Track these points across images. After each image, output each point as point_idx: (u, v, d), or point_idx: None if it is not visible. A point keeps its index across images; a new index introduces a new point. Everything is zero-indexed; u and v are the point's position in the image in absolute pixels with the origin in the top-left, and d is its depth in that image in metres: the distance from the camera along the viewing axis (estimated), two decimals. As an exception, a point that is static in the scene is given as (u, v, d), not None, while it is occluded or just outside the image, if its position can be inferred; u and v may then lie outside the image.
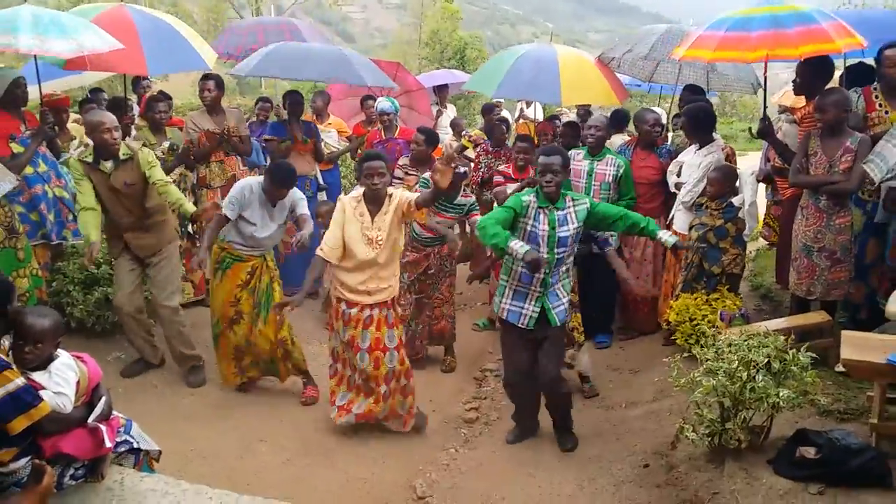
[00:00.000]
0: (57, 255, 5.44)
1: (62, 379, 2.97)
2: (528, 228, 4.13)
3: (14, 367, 2.76)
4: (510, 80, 6.46)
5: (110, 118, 4.76)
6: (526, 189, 4.65)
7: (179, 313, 5.10)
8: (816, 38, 4.39)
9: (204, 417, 4.81)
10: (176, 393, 5.12)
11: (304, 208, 4.88)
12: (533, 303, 4.23)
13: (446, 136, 9.74)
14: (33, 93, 5.48)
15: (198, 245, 6.25)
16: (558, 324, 4.28)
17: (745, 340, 3.64)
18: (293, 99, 6.89)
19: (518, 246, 3.94)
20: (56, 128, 6.02)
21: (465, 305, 7.23)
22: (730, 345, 3.64)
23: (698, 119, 5.69)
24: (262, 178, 4.84)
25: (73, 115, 6.91)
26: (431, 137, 6.22)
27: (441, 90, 10.59)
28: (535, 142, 7.33)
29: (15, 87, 5.27)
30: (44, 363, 2.96)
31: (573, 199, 4.21)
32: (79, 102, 7.20)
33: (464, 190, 5.50)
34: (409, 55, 32.43)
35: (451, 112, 10.71)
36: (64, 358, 3.05)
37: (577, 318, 5.17)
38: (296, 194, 4.90)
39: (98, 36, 5.15)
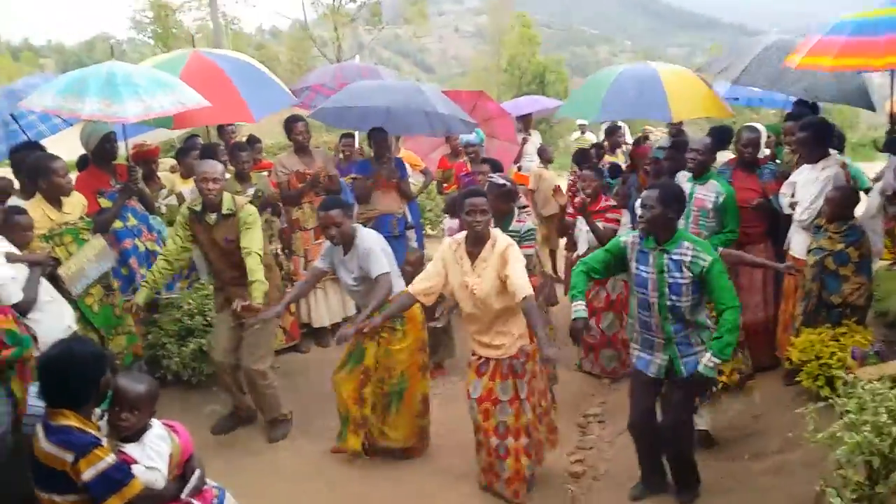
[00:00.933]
0: (151, 308, 5.44)
1: (155, 452, 2.87)
2: (634, 271, 3.85)
3: (104, 443, 2.67)
4: (613, 100, 6.20)
5: (211, 167, 4.66)
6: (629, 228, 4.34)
7: (268, 377, 4.93)
8: (954, 42, 3.90)
9: (300, 474, 4.64)
10: (270, 448, 4.99)
11: (372, 263, 4.44)
12: (661, 351, 3.90)
13: (532, 164, 9.49)
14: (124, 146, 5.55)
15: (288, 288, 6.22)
16: (685, 374, 3.87)
17: (892, 388, 3.21)
18: (377, 136, 6.79)
19: (573, 308, 3.82)
20: (143, 178, 6.02)
21: (562, 345, 6.87)
22: (874, 394, 3.20)
23: (817, 135, 5.23)
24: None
25: (165, 163, 7.01)
26: (495, 166, 6.04)
27: (525, 116, 10.34)
28: (630, 167, 7.00)
29: (105, 143, 5.34)
30: (137, 433, 2.88)
31: (695, 248, 3.73)
32: (176, 151, 7.28)
33: (518, 214, 5.16)
34: (488, 82, 32.46)
35: (536, 139, 10.45)
36: (157, 429, 2.95)
37: (729, 367, 4.60)
38: (364, 244, 4.50)
39: (173, 94, 5.00)
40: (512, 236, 4.73)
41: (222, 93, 5.78)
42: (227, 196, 4.73)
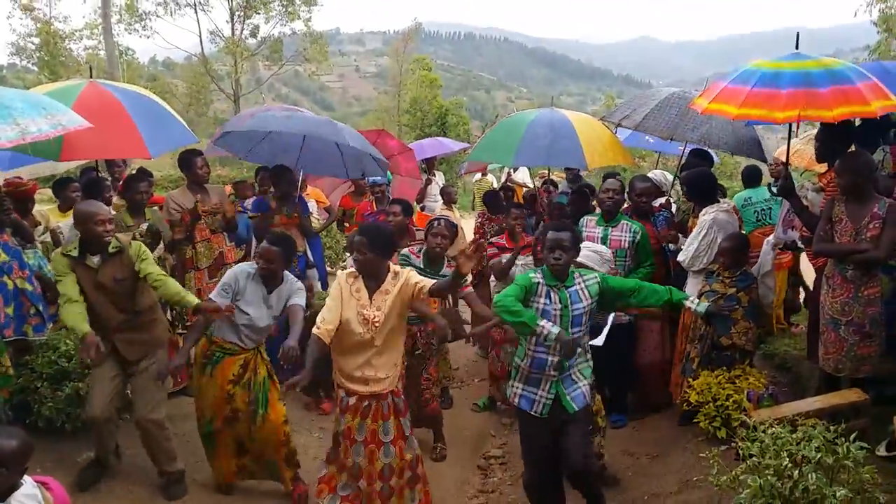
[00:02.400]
0: (21, 351, 4.99)
1: (21, 513, 2.56)
2: (540, 308, 3.86)
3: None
4: (527, 147, 6.24)
5: (105, 209, 4.33)
6: (532, 267, 4.36)
7: (165, 427, 4.57)
8: (852, 99, 4.04)
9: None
10: (152, 496, 4.61)
11: (300, 298, 4.47)
12: (547, 388, 3.94)
13: (436, 204, 9.51)
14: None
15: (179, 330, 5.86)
16: (575, 409, 3.94)
17: (792, 432, 3.28)
18: (282, 173, 6.58)
19: (550, 326, 3.74)
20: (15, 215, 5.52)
21: (461, 383, 6.84)
22: (776, 438, 3.26)
23: (696, 186, 5.59)
24: (255, 262, 4.48)
25: (44, 193, 6.53)
26: (407, 208, 6.24)
27: (429, 159, 10.40)
28: (523, 206, 7.11)
29: None
30: (4, 493, 2.56)
31: (581, 275, 3.99)
32: (55, 182, 6.80)
33: (448, 261, 5.24)
34: (389, 122, 32.67)
35: (440, 179, 10.53)
36: (28, 487, 2.66)
37: (598, 399, 4.78)
38: (295, 284, 4.55)
39: (53, 116, 4.51)
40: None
41: (118, 126, 5.41)
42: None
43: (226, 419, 4.53)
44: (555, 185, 8.50)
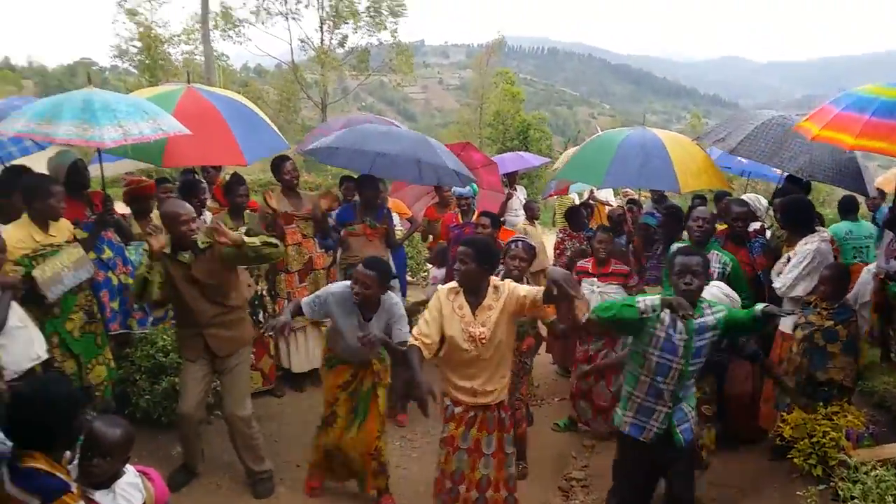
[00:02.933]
0: (123, 344, 5.23)
1: (126, 501, 2.68)
2: (662, 335, 3.70)
3: (73, 489, 2.46)
4: (618, 168, 6.00)
5: (188, 209, 4.45)
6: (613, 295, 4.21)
7: (252, 424, 4.68)
8: None
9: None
10: (241, 495, 4.74)
11: (404, 328, 4.35)
12: (660, 419, 3.79)
13: (517, 219, 9.46)
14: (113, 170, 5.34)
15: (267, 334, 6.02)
16: (684, 444, 3.79)
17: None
18: (367, 183, 6.69)
19: (650, 300, 3.65)
20: (135, 216, 5.85)
21: (541, 401, 6.75)
22: (879, 481, 3.11)
23: (793, 213, 5.35)
24: (347, 283, 4.42)
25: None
26: (496, 221, 6.13)
27: (511, 173, 10.35)
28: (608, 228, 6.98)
29: (73, 173, 5.19)
30: (109, 480, 2.67)
31: (710, 305, 3.79)
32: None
33: (527, 281, 5.10)
34: (470, 135, 32.78)
35: (521, 194, 10.45)
36: (130, 476, 2.76)
37: (712, 435, 4.60)
38: (395, 308, 4.41)
39: (153, 121, 4.82)
40: None
41: (215, 133, 5.66)
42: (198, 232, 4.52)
43: (325, 420, 4.64)
44: (638, 204, 8.34)
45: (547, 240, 9.36)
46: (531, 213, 9.00)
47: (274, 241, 4.47)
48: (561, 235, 7.99)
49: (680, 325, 3.68)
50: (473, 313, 3.88)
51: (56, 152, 5.58)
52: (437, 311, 3.92)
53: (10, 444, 2.51)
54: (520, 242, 4.91)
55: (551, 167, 16.52)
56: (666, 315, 3.69)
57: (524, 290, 3.85)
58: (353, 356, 4.50)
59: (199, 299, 4.50)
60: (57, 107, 4.54)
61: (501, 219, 9.38)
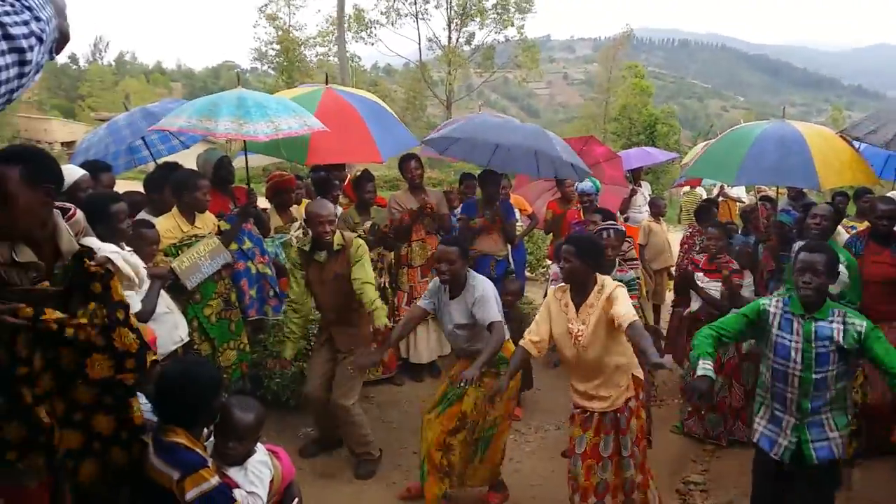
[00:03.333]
0: (258, 329, 5.52)
1: (257, 478, 2.83)
2: (776, 339, 3.51)
3: (210, 463, 2.64)
4: (752, 164, 5.60)
5: (329, 210, 4.70)
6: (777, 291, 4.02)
7: (352, 413, 4.84)
8: None
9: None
10: (342, 468, 4.98)
11: (487, 310, 4.17)
12: (789, 432, 3.54)
13: (641, 216, 9.23)
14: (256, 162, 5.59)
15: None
16: (816, 462, 3.50)
17: None
18: (489, 178, 6.73)
19: (701, 367, 3.42)
20: (276, 208, 6.14)
21: (661, 402, 6.57)
22: None
23: None
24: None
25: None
26: (607, 216, 6.00)
27: (635, 169, 10.08)
28: (740, 225, 6.69)
29: (220, 168, 5.56)
30: (242, 458, 2.84)
31: (845, 315, 3.44)
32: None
33: (619, 264, 4.98)
34: (594, 129, 32.25)
35: (646, 190, 10.17)
36: (260, 454, 2.92)
37: (850, 450, 4.33)
38: (478, 290, 4.26)
39: (300, 118, 5.13)
40: None
41: (354, 131, 5.91)
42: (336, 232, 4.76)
43: (448, 415, 4.46)
44: (772, 201, 7.92)
45: (673, 238, 9.06)
46: (656, 210, 8.76)
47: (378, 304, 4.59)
48: (690, 231, 7.73)
49: (796, 326, 3.46)
50: (577, 312, 3.85)
51: (205, 149, 6.02)
52: (546, 310, 3.94)
53: (155, 418, 2.74)
54: (611, 230, 5.11)
55: (679, 162, 15.98)
56: (778, 317, 3.50)
57: (619, 308, 3.65)
58: (459, 346, 4.49)
59: (328, 297, 4.78)
60: (215, 105, 4.94)
61: (624, 215, 9.23)
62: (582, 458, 3.95)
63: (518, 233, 7.38)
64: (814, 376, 3.43)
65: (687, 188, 12.69)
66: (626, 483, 3.97)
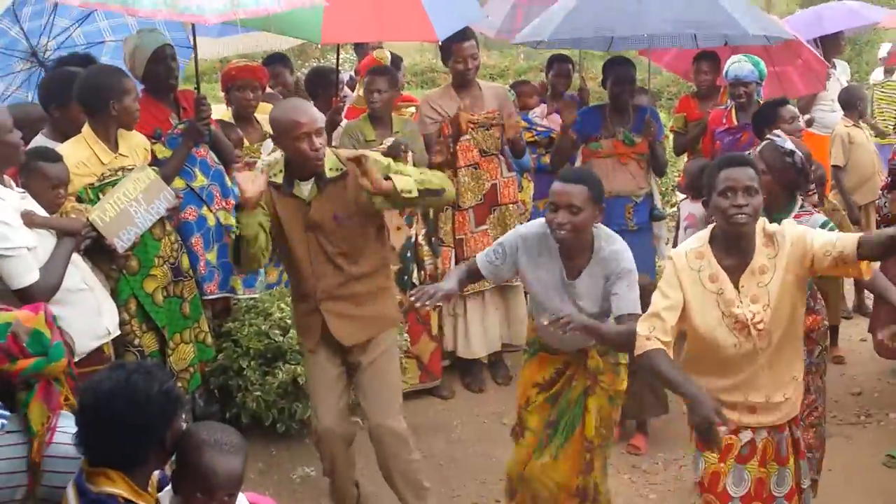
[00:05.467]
0: (222, 312, 5.60)
1: (235, 547, 2.91)
2: None
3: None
4: None
5: (311, 116, 4.43)
6: None
7: (409, 443, 4.79)
8: None
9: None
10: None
11: (631, 293, 4.27)
12: None
13: (833, 116, 9.03)
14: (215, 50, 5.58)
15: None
16: None
17: None
18: (619, 68, 6.67)
19: None
20: (236, 119, 6.19)
21: (866, 418, 6.61)
22: None
23: None
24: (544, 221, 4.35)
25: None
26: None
27: (830, 37, 9.69)
28: None
29: (157, 62, 5.44)
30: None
31: None
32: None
33: (802, 205, 4.80)
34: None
35: (842, 74, 9.87)
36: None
37: None
38: (620, 257, 4.31)
39: None
40: None
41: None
42: (328, 153, 4.52)
43: (511, 429, 4.77)
44: None
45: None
46: (854, 108, 8.52)
47: (440, 183, 4.53)
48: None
49: None
50: (737, 284, 3.81)
51: (137, 31, 5.91)
52: (675, 285, 3.86)
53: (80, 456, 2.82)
54: (797, 152, 4.60)
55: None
56: None
57: (822, 237, 3.73)
58: (558, 339, 4.44)
59: (318, 257, 4.56)
60: None
61: (807, 116, 9.03)
62: (743, 500, 3.94)
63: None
64: None
65: (880, 74, 12.25)
66: None
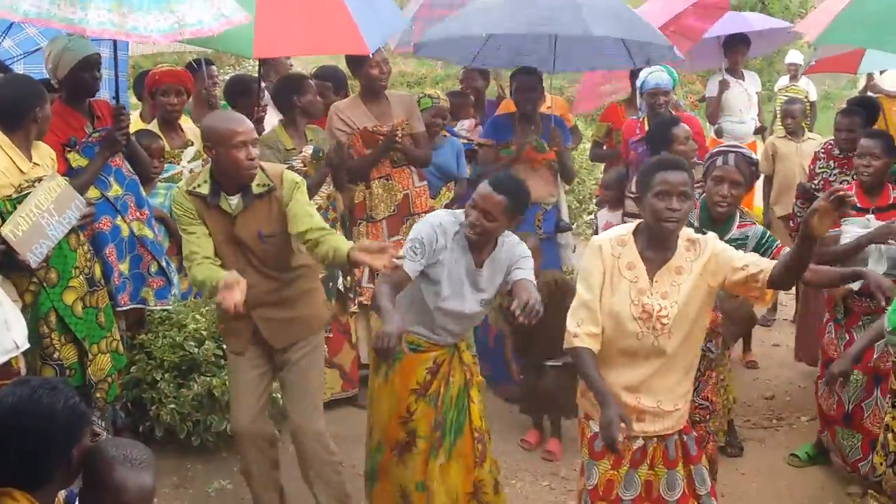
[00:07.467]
0: (135, 324, 5.51)
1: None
2: None
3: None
4: None
5: (247, 126, 4.43)
6: None
7: (331, 444, 4.77)
8: None
9: None
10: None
11: (526, 270, 4.46)
12: None
13: (742, 128, 9.14)
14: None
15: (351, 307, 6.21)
16: None
17: None
18: (526, 80, 6.72)
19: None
20: (160, 125, 6.11)
21: (777, 421, 6.74)
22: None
23: None
24: (461, 212, 4.50)
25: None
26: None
27: (736, 44, 9.61)
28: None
29: (83, 70, 5.32)
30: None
31: None
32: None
33: (741, 218, 4.92)
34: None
35: (751, 85, 9.95)
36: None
37: None
38: (516, 248, 4.53)
39: (213, 5, 4.99)
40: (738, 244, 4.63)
41: (327, 12, 5.93)
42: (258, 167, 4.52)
43: (399, 446, 4.66)
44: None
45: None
46: (792, 120, 8.48)
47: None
48: (818, 151, 7.50)
49: None
50: (652, 277, 3.87)
51: (61, 39, 5.62)
52: (598, 272, 3.91)
53: None
54: (731, 155, 4.83)
55: (799, 42, 15.66)
56: None
57: (741, 257, 3.82)
58: (454, 325, 4.59)
59: (245, 267, 4.55)
60: None
61: (714, 125, 9.12)
62: None
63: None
64: None
65: (785, 80, 12.54)
66: None
